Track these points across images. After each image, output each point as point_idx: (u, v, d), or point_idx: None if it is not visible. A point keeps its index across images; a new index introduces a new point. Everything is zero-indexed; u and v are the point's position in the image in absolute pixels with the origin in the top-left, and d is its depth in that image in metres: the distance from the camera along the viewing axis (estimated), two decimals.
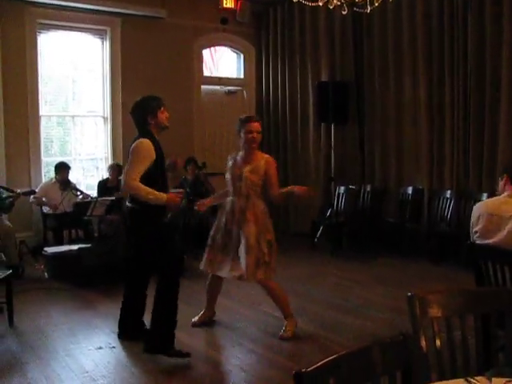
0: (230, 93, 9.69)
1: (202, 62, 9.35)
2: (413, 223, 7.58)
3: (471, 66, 6.95)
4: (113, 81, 8.48)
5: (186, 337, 4.57)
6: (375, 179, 8.31)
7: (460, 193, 7.19)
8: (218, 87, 9.56)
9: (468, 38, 6.96)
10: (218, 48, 9.68)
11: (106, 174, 8.10)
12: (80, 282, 6.17)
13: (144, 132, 4.24)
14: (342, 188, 8.33)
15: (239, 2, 9.29)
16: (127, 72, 8.47)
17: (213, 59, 9.71)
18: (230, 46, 9.75)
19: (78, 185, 8.02)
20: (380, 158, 8.25)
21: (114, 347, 4.49)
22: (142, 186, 4.09)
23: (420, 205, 7.66)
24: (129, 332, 4.60)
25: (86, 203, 7.05)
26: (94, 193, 7.86)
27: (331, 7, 4.54)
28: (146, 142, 4.14)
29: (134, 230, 4.43)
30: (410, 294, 2.20)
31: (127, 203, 4.35)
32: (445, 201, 7.32)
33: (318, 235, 8.15)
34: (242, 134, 4.64)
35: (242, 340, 4.58)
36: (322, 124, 8.78)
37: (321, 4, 4.61)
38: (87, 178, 8.78)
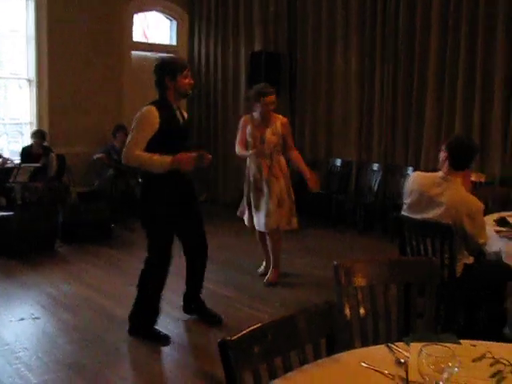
0: None
1: (132, 26, 9.07)
2: (340, 194, 7.72)
3: (401, 40, 7.08)
4: (38, 42, 8.11)
5: (115, 306, 4.52)
6: (305, 151, 8.37)
7: (387, 166, 7.37)
8: (149, 53, 9.32)
9: (399, 12, 7.07)
10: (150, 13, 9.42)
11: (30, 140, 7.80)
12: (1, 250, 5.97)
13: (159, 97, 3.99)
14: None
15: None
16: (54, 34, 8.09)
17: (146, 25, 9.45)
18: (163, 12, 9.50)
19: (1, 151, 7.70)
20: (310, 130, 8.32)
21: (37, 318, 4.38)
22: (142, 154, 3.76)
23: (348, 177, 7.80)
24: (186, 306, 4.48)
25: (7, 169, 6.78)
26: (17, 160, 7.55)
27: None
28: (148, 110, 3.83)
29: (144, 209, 4.02)
30: (335, 262, 2.23)
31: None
32: (372, 173, 7.49)
33: None
34: (260, 104, 5.06)
35: (169, 309, 4.56)
36: None
37: None
38: (11, 144, 8.43)
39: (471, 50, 6.47)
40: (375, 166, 7.45)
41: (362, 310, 2.29)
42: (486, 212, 4.07)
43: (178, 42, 9.65)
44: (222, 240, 6.63)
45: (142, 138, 3.77)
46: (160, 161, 3.74)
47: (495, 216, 4.03)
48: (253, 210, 5.21)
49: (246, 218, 5.34)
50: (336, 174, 7.88)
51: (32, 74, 8.22)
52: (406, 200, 3.76)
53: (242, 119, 5.33)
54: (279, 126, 5.15)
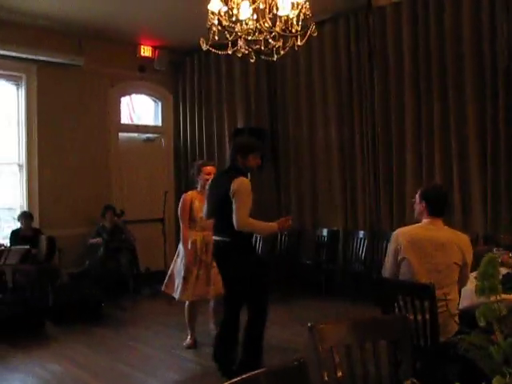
0: (148, 140, 9.73)
1: (119, 109, 9.38)
2: (329, 264, 7.78)
3: (378, 114, 7.39)
4: (28, 128, 8.35)
5: None
6: (292, 222, 8.48)
7: (373, 233, 7.48)
8: (135, 134, 9.59)
9: (374, 86, 7.40)
10: (136, 96, 9.75)
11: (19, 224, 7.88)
12: None
13: (237, 170, 4.46)
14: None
15: (156, 51, 9.45)
16: (43, 119, 8.36)
17: (133, 107, 9.76)
18: (148, 94, 9.84)
19: None
20: (296, 202, 8.46)
21: None
22: (253, 220, 4.29)
23: (335, 246, 7.89)
24: (221, 362, 4.62)
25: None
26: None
27: (239, 55, 4.72)
28: (246, 181, 4.35)
29: (227, 263, 4.50)
30: (309, 324, 2.30)
31: (217, 238, 4.49)
32: (359, 241, 7.59)
33: None
34: (201, 175, 5.42)
35: None
36: None
37: (230, 52, 4.78)
38: (4, 230, 8.48)
39: (444, 113, 6.78)
40: (361, 234, 7.57)
41: (339, 373, 2.32)
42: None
43: (163, 122, 9.93)
44: None
45: (248, 205, 4.29)
46: (269, 226, 4.41)
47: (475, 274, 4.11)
48: (198, 285, 5.35)
49: (184, 289, 5.39)
50: (323, 244, 7.97)
51: (22, 159, 8.42)
52: (392, 258, 3.83)
53: (183, 198, 5.51)
54: None
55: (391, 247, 3.85)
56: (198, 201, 5.39)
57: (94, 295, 6.92)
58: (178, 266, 5.53)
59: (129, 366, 4.94)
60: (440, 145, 6.83)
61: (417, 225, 3.89)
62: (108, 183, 9.02)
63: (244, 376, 1.75)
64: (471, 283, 3.75)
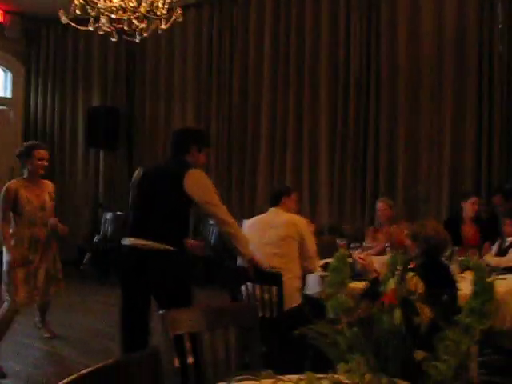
0: None
1: None
2: None
3: (235, 103, 7.56)
4: None
5: None
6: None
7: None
8: None
9: (233, 75, 7.56)
10: None
11: None
12: None
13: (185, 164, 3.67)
14: (110, 214, 8.24)
15: (8, 16, 8.81)
16: None
17: None
18: None
19: None
20: None
21: None
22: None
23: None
24: None
25: None
26: None
27: (101, 33, 4.58)
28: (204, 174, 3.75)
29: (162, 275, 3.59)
30: (160, 312, 2.31)
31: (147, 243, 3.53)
32: (211, 227, 7.69)
33: (84, 261, 8.02)
34: (31, 161, 4.47)
35: None
36: (92, 149, 8.70)
37: (91, 29, 4.62)
38: None
39: (298, 92, 7.06)
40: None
41: (190, 359, 2.36)
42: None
43: (12, 93, 9.34)
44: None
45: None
46: None
47: (321, 262, 4.36)
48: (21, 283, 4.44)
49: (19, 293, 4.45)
50: None
51: None
52: None
53: (7, 187, 4.45)
54: (51, 191, 4.70)
55: None
56: (24, 190, 4.45)
57: None
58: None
59: None
60: (293, 136, 7.11)
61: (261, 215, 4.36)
62: None
63: (97, 366, 1.72)
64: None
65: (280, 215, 4.16)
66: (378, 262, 3.90)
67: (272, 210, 4.25)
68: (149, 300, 3.61)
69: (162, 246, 3.47)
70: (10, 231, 4.43)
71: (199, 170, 3.64)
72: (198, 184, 3.54)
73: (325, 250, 5.39)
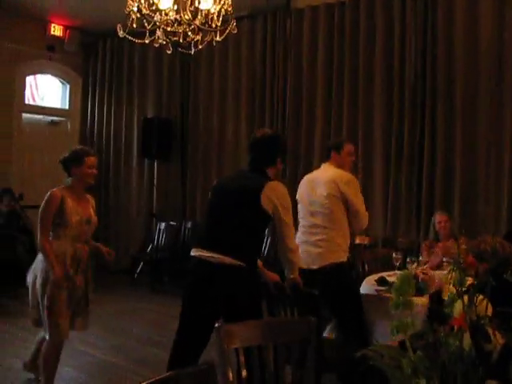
0: (53, 123, 9.36)
1: (24, 89, 8.94)
2: None
3: (289, 112, 7.50)
4: None
5: None
6: (196, 216, 8.48)
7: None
8: (41, 117, 9.20)
9: (287, 86, 7.50)
10: (43, 76, 9.34)
11: None
12: None
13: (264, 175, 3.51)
14: (163, 224, 8.33)
15: (68, 31, 9.08)
16: None
17: (37, 88, 9.33)
18: (56, 75, 9.45)
19: None
20: (201, 196, 8.44)
21: None
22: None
23: None
24: None
25: None
26: None
27: (156, 45, 4.63)
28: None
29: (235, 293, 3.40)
30: (217, 324, 2.30)
31: (219, 256, 3.34)
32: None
33: (137, 271, 8.13)
34: (80, 169, 3.94)
35: None
36: (146, 160, 8.83)
37: (147, 42, 4.69)
38: None
39: (353, 114, 6.96)
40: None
41: (243, 372, 2.34)
42: (369, 272, 4.44)
43: (70, 105, 9.59)
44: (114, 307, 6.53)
45: None
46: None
47: (376, 276, 4.28)
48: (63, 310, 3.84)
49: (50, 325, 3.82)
50: None
51: None
52: None
53: (52, 194, 3.87)
54: (94, 205, 4.14)
55: None
56: (71, 200, 3.89)
57: None
58: (37, 291, 3.86)
59: (21, 360, 4.73)
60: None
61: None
62: (7, 165, 8.60)
63: (153, 379, 1.72)
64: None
65: (327, 171, 4.21)
66: (438, 277, 3.80)
67: (323, 165, 4.32)
68: (214, 316, 3.39)
69: (234, 262, 3.30)
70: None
71: (278, 182, 3.46)
72: (278, 197, 3.37)
73: (379, 263, 5.34)
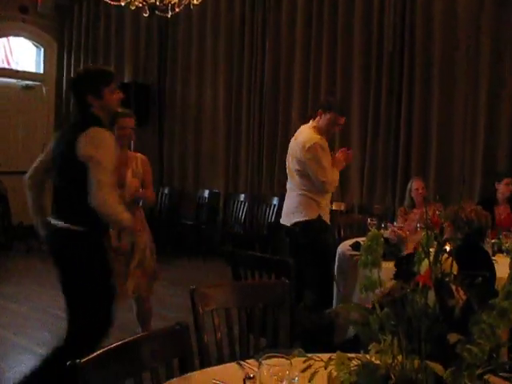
0: (27, 87, 9.20)
1: None
2: (209, 225, 7.85)
3: (267, 77, 7.46)
4: None
5: None
6: (173, 182, 8.46)
7: (253, 196, 7.62)
8: (14, 80, 9.02)
9: (266, 50, 7.46)
10: (16, 39, 9.13)
11: None
12: None
13: (87, 116, 3.07)
14: None
15: None
16: None
17: (11, 51, 9.13)
18: (29, 38, 9.26)
19: None
20: (178, 161, 8.43)
21: None
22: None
23: (216, 207, 7.97)
24: None
25: None
26: None
27: (133, 8, 4.56)
28: (105, 133, 3.01)
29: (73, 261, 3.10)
30: (191, 287, 2.31)
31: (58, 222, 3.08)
32: (239, 204, 7.71)
33: None
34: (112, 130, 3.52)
35: (30, 345, 4.40)
36: None
37: (123, 4, 4.61)
38: None
39: (331, 77, 6.95)
40: (242, 197, 7.69)
41: (218, 334, 2.37)
42: (345, 238, 4.51)
43: (45, 69, 9.42)
44: None
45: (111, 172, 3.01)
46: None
47: (351, 241, 4.33)
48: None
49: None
50: (204, 205, 8.02)
51: None
52: None
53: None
54: (139, 165, 4.03)
55: None
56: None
57: None
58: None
59: None
60: None
61: None
62: None
63: (126, 340, 1.74)
64: None
65: (301, 134, 4.41)
66: (412, 240, 3.85)
67: (302, 126, 4.53)
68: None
69: (66, 226, 3.00)
70: None
71: (97, 129, 2.95)
72: (93, 144, 2.90)
73: (355, 229, 5.40)
